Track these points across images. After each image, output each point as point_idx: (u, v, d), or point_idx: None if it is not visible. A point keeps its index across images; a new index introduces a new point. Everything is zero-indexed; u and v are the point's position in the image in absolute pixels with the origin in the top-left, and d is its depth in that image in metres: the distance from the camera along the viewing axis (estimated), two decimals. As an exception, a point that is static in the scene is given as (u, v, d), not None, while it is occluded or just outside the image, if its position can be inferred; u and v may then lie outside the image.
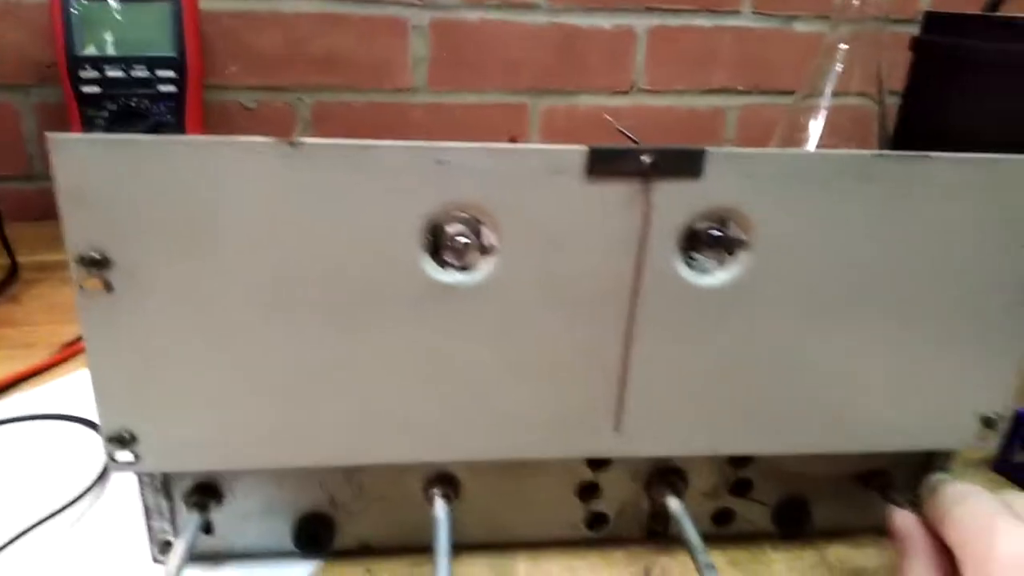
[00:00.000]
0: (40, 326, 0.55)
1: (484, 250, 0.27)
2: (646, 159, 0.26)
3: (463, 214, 0.27)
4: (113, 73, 0.63)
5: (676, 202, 0.27)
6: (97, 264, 0.25)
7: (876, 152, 0.27)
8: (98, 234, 0.25)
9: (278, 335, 0.27)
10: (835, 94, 0.56)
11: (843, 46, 0.55)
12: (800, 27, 0.85)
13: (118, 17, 0.63)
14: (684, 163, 0.27)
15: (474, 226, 0.27)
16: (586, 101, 0.83)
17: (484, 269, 0.28)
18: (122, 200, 0.25)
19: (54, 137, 0.23)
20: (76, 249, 0.25)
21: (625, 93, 0.85)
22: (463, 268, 0.28)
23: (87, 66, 0.63)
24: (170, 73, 0.64)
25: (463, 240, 0.26)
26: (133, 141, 0.24)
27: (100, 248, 0.25)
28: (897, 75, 0.80)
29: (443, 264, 0.28)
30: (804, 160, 0.27)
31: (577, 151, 0.26)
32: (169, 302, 0.26)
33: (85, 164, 0.24)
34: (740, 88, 0.88)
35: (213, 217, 0.25)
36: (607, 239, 0.28)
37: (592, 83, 0.83)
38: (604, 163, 0.26)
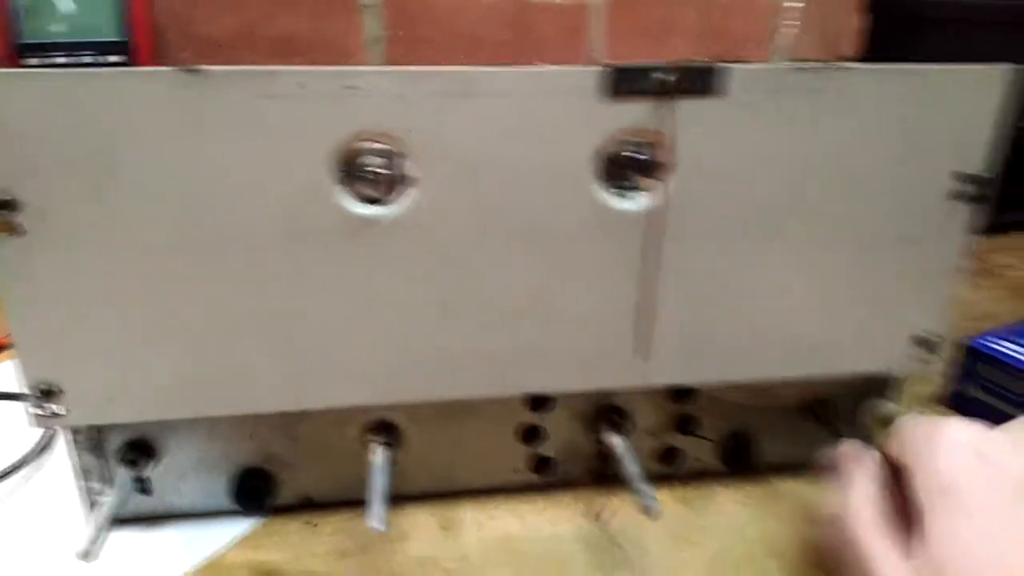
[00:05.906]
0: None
1: (402, 181, 0.27)
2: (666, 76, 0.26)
3: (381, 144, 0.26)
4: (60, 60, 0.62)
5: (587, 125, 0.27)
6: (4, 205, 0.25)
7: (793, 64, 0.27)
8: (3, 174, 0.25)
9: (196, 276, 0.27)
10: (792, 60, 0.57)
11: (798, 4, 0.55)
12: (757, -5, 0.85)
13: (64, 2, 0.62)
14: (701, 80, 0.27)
15: (393, 157, 0.27)
16: (546, 76, 0.83)
17: (404, 202, 0.27)
18: (26, 137, 0.24)
19: (-54, 72, 0.23)
20: (-21, 191, 0.25)
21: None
22: (383, 201, 0.28)
23: (33, 54, 0.62)
24: (119, 59, 0.63)
25: (375, 170, 0.26)
26: (30, 75, 0.24)
27: (6, 189, 0.25)
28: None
29: (366, 199, 0.28)
30: (713, 74, 0.27)
31: (478, 72, 0.26)
32: (82, 244, 0.26)
33: (-18, 100, 0.24)
34: (702, 59, 0.87)
35: (118, 151, 0.25)
36: (538, 167, 0.27)
37: (552, 57, 0.83)
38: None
